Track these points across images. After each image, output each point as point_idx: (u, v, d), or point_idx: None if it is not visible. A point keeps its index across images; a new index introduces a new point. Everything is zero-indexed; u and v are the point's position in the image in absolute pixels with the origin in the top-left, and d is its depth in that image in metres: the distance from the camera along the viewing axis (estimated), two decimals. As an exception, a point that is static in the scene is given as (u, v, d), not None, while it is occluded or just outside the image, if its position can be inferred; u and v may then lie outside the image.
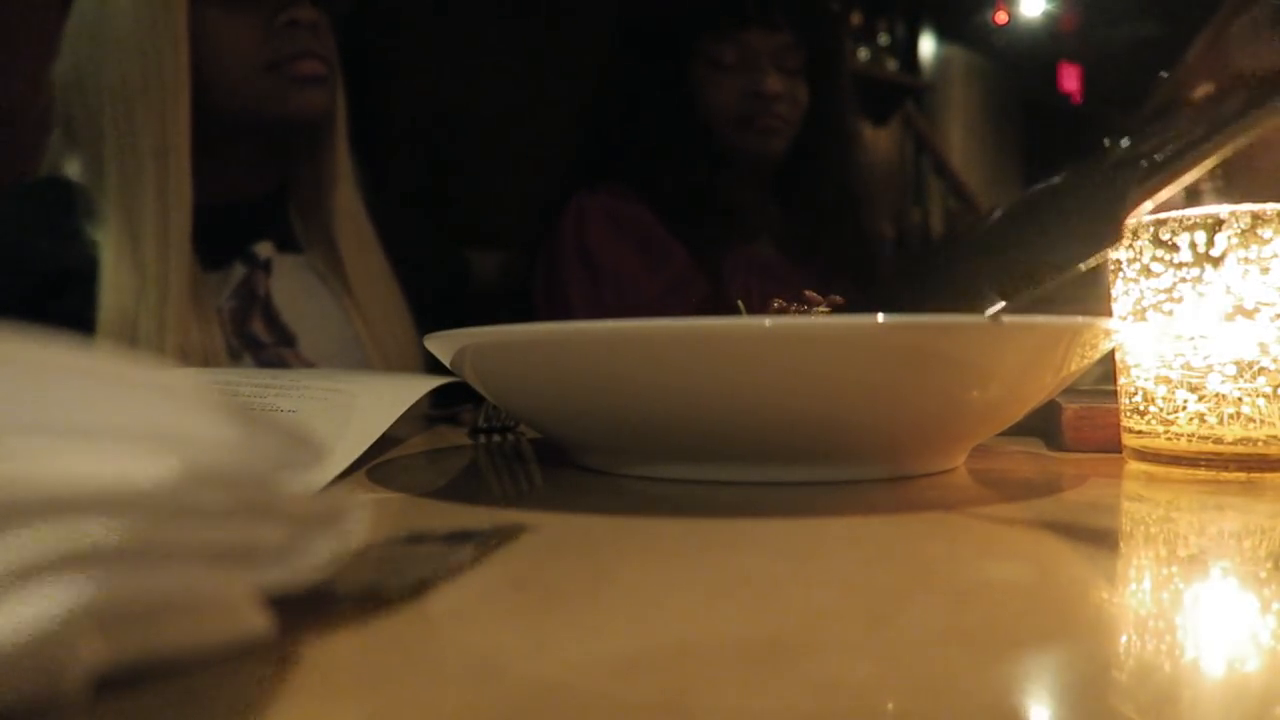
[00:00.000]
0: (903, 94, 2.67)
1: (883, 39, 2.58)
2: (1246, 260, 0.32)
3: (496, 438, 0.51)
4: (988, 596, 0.19)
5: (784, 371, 0.29)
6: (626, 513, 0.28)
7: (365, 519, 0.16)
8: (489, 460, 0.44)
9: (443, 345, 0.34)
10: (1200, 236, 0.32)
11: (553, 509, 0.29)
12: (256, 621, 0.15)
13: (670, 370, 0.29)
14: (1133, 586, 0.20)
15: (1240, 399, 0.32)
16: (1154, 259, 0.33)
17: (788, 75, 0.89)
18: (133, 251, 0.68)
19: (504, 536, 0.25)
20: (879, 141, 2.65)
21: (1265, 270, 0.32)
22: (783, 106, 0.89)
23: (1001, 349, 0.29)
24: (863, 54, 2.50)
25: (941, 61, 2.81)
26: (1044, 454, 0.41)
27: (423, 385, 0.49)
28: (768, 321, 0.28)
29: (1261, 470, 0.32)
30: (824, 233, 0.98)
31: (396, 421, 0.42)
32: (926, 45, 2.77)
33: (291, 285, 0.80)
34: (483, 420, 0.52)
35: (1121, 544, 0.25)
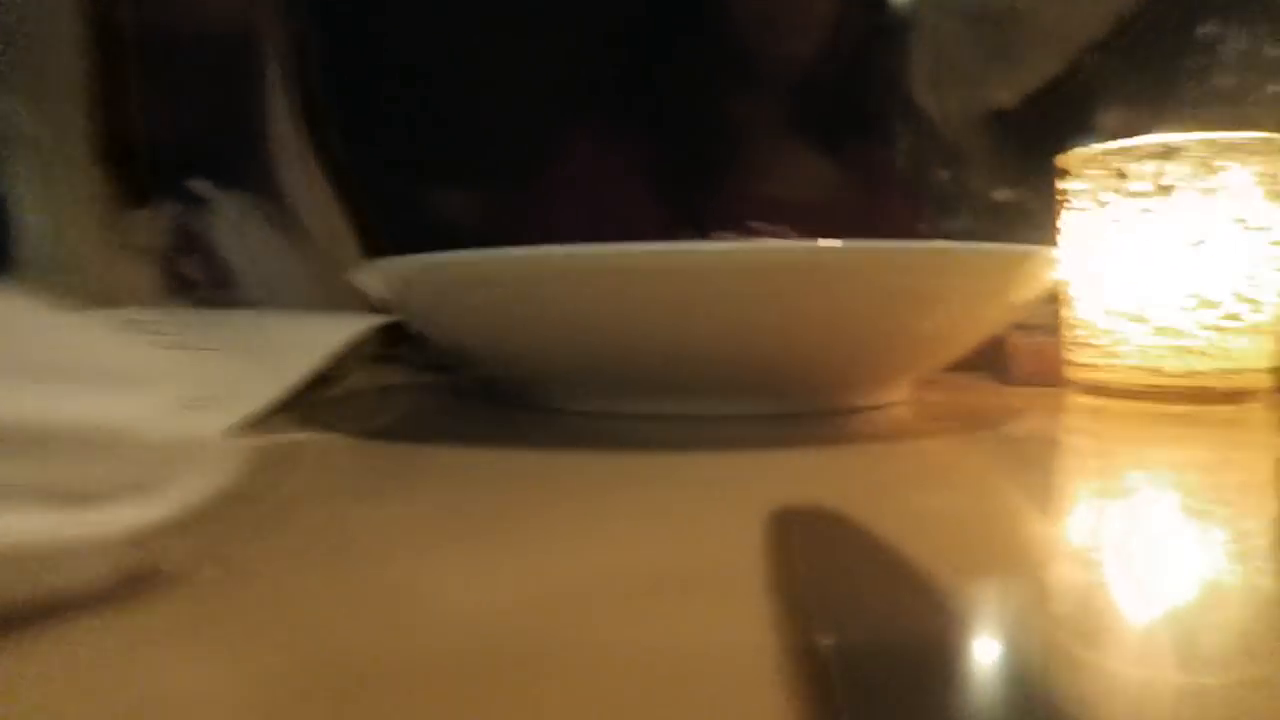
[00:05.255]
0: (875, 34, 2.62)
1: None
2: (1198, 191, 0.31)
3: (440, 375, 0.50)
4: (924, 529, 0.18)
5: (722, 301, 0.27)
6: (561, 448, 0.27)
7: (239, 458, 0.15)
8: (427, 399, 0.42)
9: (369, 277, 0.32)
10: (1155, 165, 0.31)
11: (486, 445, 0.28)
12: (119, 562, 0.14)
13: (601, 300, 0.27)
14: (1072, 518, 0.20)
15: (1186, 331, 0.31)
16: (1106, 189, 0.32)
17: None
18: (43, 186, 0.65)
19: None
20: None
21: (1219, 201, 0.31)
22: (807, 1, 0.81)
23: (945, 278, 0.28)
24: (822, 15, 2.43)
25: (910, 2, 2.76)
26: (990, 387, 0.40)
27: (361, 324, 0.47)
28: (704, 248, 0.27)
29: (1204, 402, 0.31)
30: (859, 167, 0.90)
31: (337, 360, 0.41)
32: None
33: (232, 224, 0.77)
34: (426, 357, 0.50)
35: (1062, 476, 0.25)
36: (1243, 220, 0.31)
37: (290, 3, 0.77)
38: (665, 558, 0.16)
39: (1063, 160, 0.34)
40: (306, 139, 0.81)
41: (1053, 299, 0.37)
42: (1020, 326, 0.40)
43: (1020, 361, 0.40)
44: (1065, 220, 0.35)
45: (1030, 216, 0.40)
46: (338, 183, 0.82)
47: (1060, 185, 0.35)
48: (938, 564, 0.16)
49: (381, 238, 0.86)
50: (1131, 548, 0.17)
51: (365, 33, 1.12)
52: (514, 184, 0.92)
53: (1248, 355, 0.31)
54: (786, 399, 0.31)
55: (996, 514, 0.20)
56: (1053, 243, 0.36)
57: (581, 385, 0.32)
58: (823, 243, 0.26)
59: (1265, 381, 0.32)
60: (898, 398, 0.35)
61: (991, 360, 0.43)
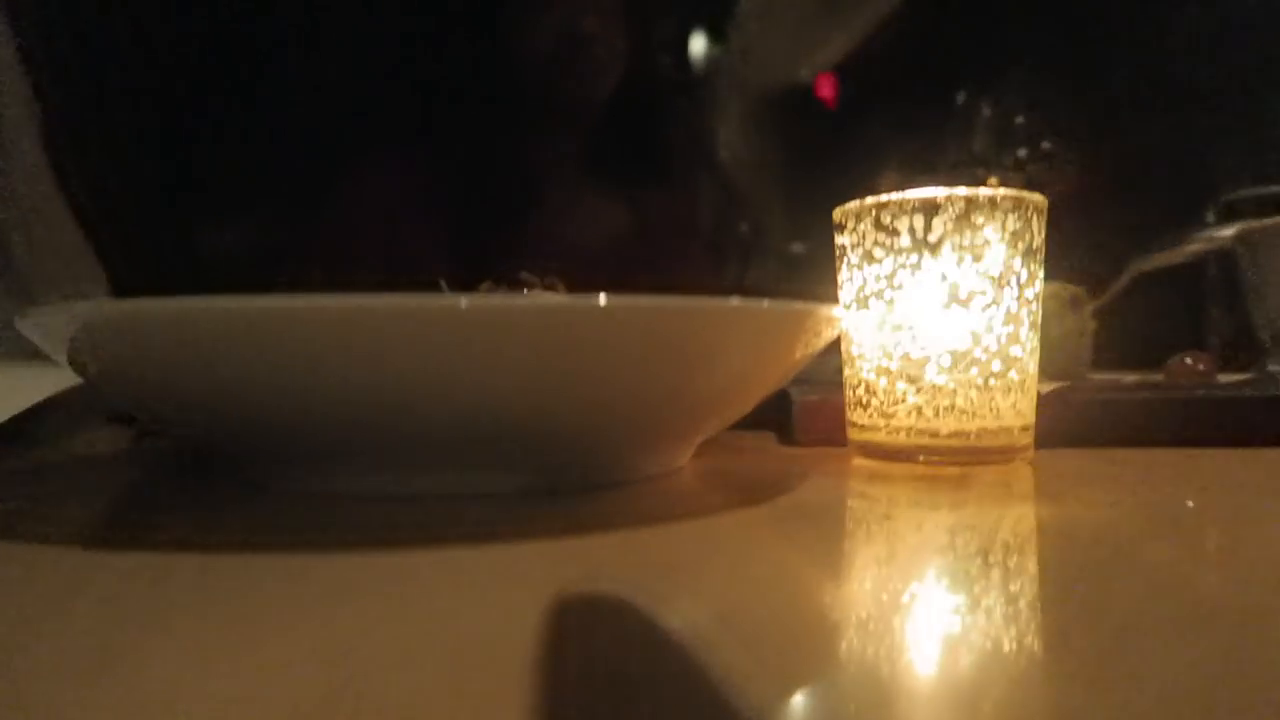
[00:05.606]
0: (675, 90, 2.72)
1: (656, 33, 2.62)
2: (961, 247, 0.31)
3: (165, 443, 0.42)
4: (710, 618, 0.16)
5: (474, 361, 0.24)
6: (288, 539, 0.23)
7: None
8: (131, 473, 0.36)
9: (36, 326, 0.26)
10: (919, 220, 0.31)
11: (192, 537, 0.23)
12: None
13: (327, 360, 0.23)
14: (855, 588, 0.20)
15: (955, 390, 0.31)
16: (876, 244, 0.32)
17: (603, 14, 0.81)
18: None
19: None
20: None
21: (978, 257, 0.31)
22: (599, 49, 0.81)
23: (719, 336, 0.26)
24: (609, 66, 2.51)
25: (711, 61, 2.90)
26: (773, 449, 0.39)
27: (64, 380, 0.39)
28: (462, 301, 0.23)
29: (973, 463, 0.31)
30: (658, 213, 0.91)
31: (41, 420, 0.34)
32: (697, 44, 2.84)
33: None
34: (151, 421, 0.43)
35: (844, 549, 0.24)
36: (998, 277, 0.31)
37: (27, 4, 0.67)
38: (407, 678, 0.13)
39: (836, 213, 0.34)
40: (44, 159, 0.70)
41: (837, 355, 0.36)
42: (803, 383, 0.40)
43: (803, 421, 0.39)
44: (843, 274, 0.34)
45: (825, 270, 0.39)
46: (84, 211, 0.72)
47: (837, 239, 0.34)
48: (728, 656, 0.14)
49: (138, 274, 0.75)
50: (911, 617, 0.17)
51: (118, 43, 1.00)
52: (293, 219, 0.85)
53: (1010, 413, 0.31)
54: (552, 473, 0.28)
55: (779, 594, 0.19)
56: (817, 280, 0.35)
57: (318, 461, 0.28)
58: (593, 298, 0.23)
59: (1028, 438, 0.32)
60: (677, 465, 0.33)
61: (776, 418, 0.42)
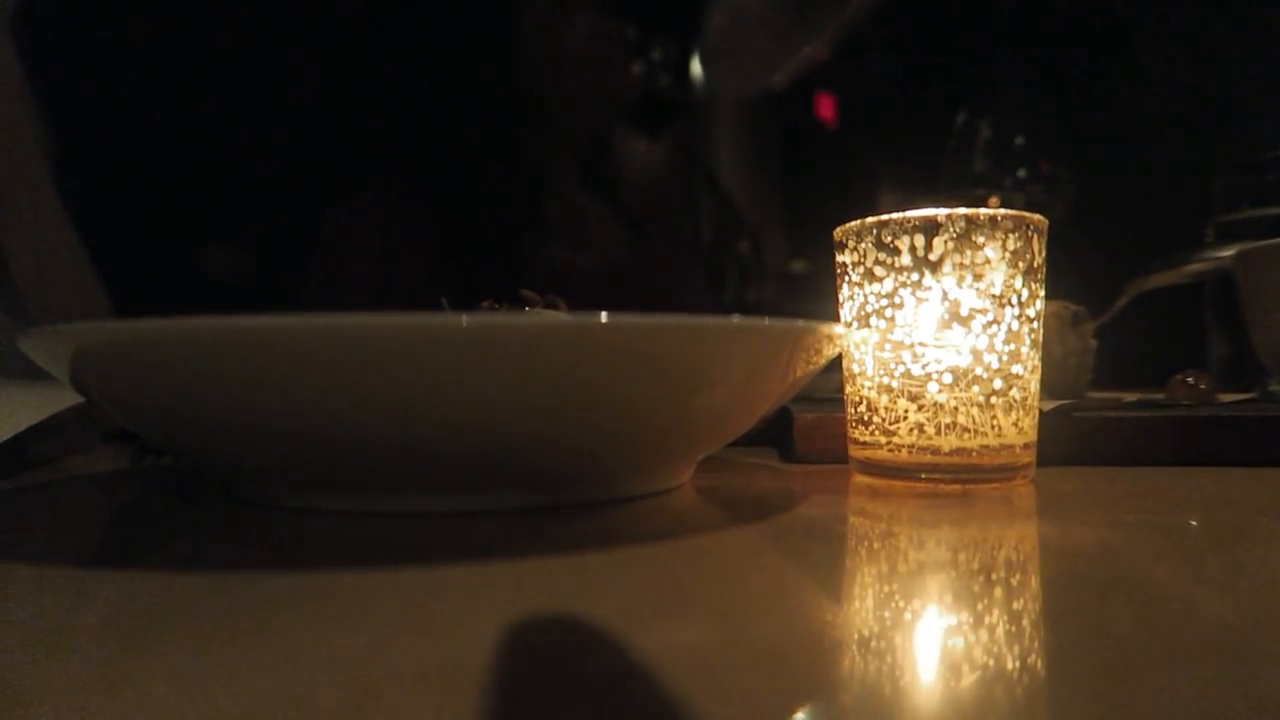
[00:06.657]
0: (676, 110, 2.73)
1: (656, 54, 2.63)
2: (961, 266, 0.31)
3: (165, 460, 0.42)
4: (691, 653, 0.16)
5: (475, 379, 0.24)
6: (277, 558, 0.23)
7: None
8: (130, 492, 0.35)
9: (39, 345, 0.26)
10: (920, 239, 0.31)
11: (178, 555, 0.23)
12: None
13: (328, 379, 0.23)
14: (856, 606, 0.19)
15: (956, 408, 0.31)
16: (877, 262, 0.32)
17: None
18: None
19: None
20: (654, 155, 2.69)
21: (979, 276, 0.31)
22: (627, 47, 0.81)
23: (720, 353, 0.26)
24: (636, 67, 2.53)
25: (707, 81, 2.91)
26: (775, 466, 0.39)
27: (63, 399, 0.40)
28: (463, 319, 0.23)
29: (975, 481, 0.31)
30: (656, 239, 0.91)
31: (42, 439, 0.34)
32: (698, 65, 2.85)
33: None
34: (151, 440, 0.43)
35: (845, 562, 0.24)
36: (999, 296, 0.31)
37: (30, 33, 0.67)
38: (409, 696, 0.13)
39: (837, 232, 0.34)
40: (50, 182, 0.71)
41: (838, 372, 0.36)
42: (805, 400, 0.40)
43: (804, 438, 0.39)
44: (844, 293, 0.34)
45: (824, 288, 0.40)
46: (86, 234, 0.72)
47: (838, 258, 0.34)
48: (727, 674, 0.14)
49: (140, 294, 0.76)
50: (915, 634, 0.17)
51: (120, 71, 1.00)
52: (291, 242, 0.85)
53: (1012, 431, 0.31)
54: (553, 490, 0.28)
55: (780, 612, 0.18)
56: (818, 297, 0.35)
57: (318, 480, 0.28)
58: (590, 317, 0.23)
59: (1029, 456, 0.32)
60: (679, 481, 0.32)
61: (777, 435, 0.42)
